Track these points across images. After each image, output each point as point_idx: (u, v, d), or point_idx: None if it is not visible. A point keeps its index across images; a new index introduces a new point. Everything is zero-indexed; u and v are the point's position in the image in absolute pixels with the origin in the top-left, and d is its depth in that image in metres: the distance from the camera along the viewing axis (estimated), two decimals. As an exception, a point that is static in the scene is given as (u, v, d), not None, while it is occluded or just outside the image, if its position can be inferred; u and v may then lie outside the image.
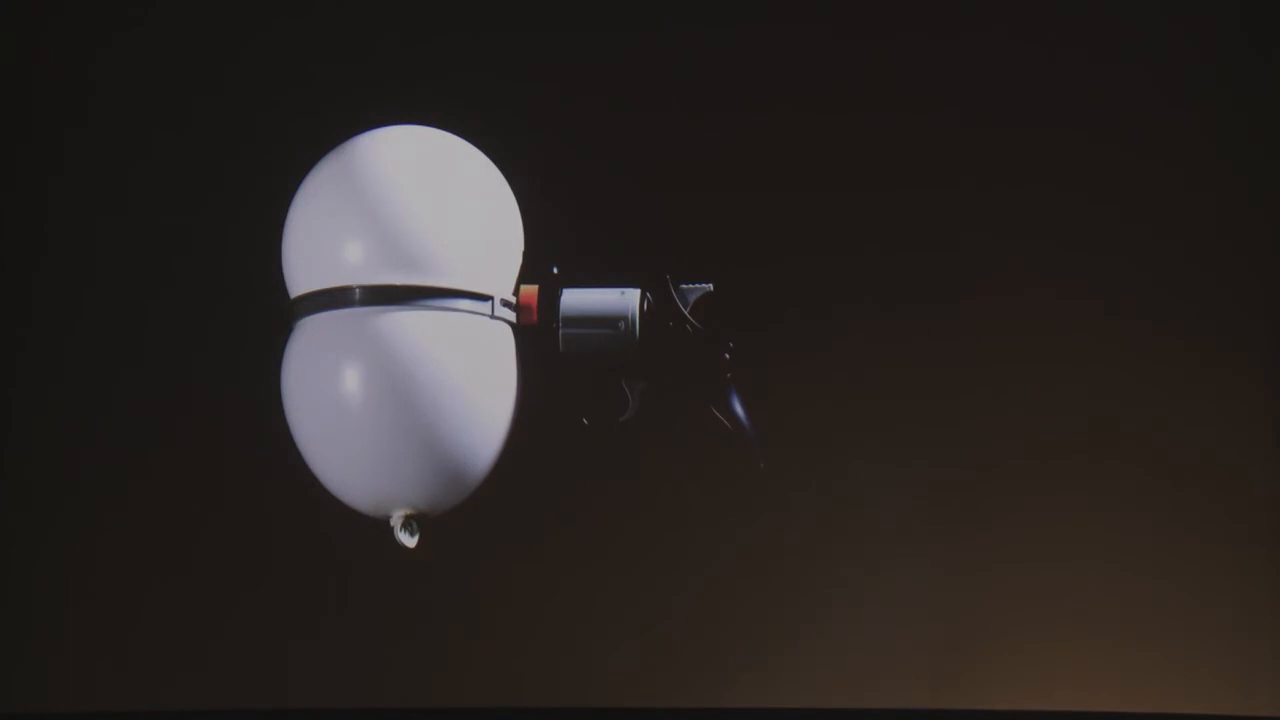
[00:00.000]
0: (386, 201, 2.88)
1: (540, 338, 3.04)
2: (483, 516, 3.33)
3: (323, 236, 2.92)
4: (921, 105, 3.43)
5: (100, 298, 3.38)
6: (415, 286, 2.87)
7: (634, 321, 3.05)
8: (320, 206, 2.94)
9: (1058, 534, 3.34)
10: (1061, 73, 3.44)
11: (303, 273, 2.95)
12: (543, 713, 3.29)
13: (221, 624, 3.30)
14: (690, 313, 3.05)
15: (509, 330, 3.00)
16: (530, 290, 3.04)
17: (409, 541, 2.94)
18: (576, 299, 3.07)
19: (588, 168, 3.38)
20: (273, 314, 2.96)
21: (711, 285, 3.15)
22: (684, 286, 3.11)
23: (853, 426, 3.37)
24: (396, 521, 2.95)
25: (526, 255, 3.05)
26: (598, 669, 3.31)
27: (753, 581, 3.33)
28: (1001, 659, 3.31)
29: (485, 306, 2.94)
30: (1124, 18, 3.45)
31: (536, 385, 3.03)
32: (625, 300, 3.07)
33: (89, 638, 3.30)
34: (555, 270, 3.07)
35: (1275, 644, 3.32)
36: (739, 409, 3.07)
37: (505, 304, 2.97)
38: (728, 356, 3.12)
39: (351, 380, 2.86)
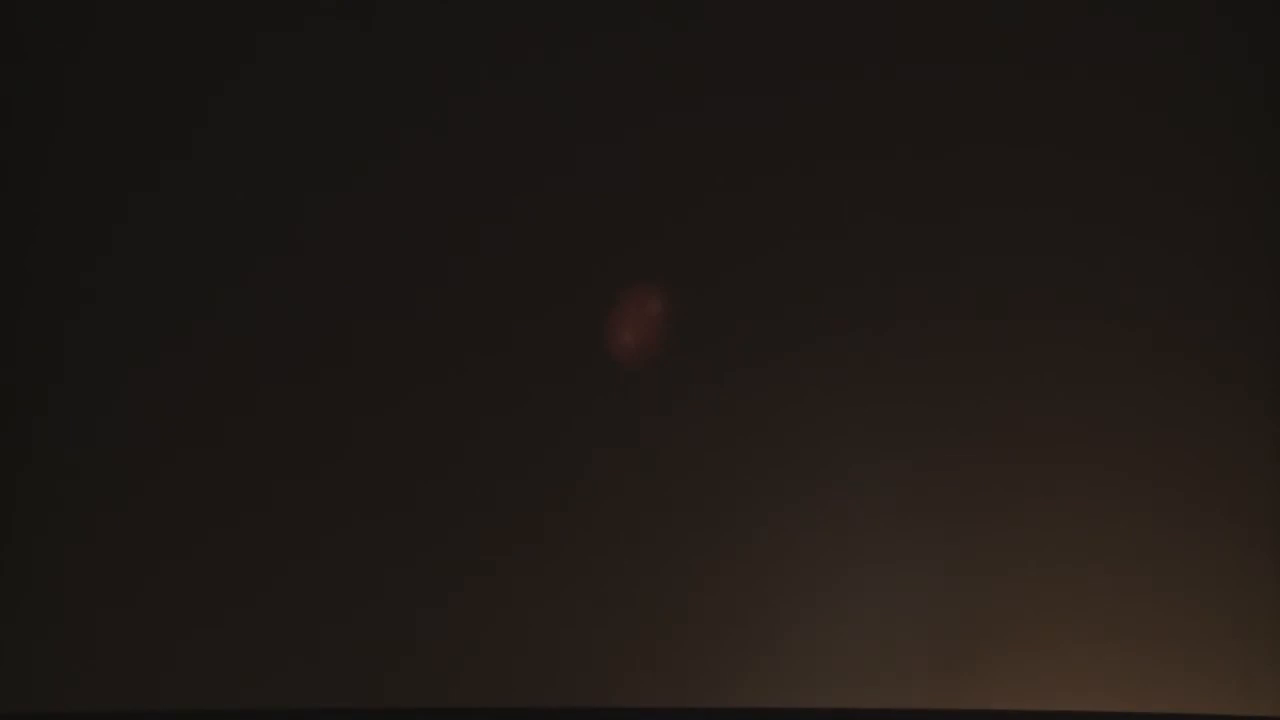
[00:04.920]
0: None
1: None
2: (482, 516, 3.33)
3: None
4: (926, 107, 3.44)
5: (99, 297, 3.38)
6: None
7: None
8: None
9: (1058, 534, 3.34)
10: (1062, 80, 3.45)
11: None
12: (543, 713, 3.29)
13: (221, 624, 3.30)
14: None
15: None
16: None
17: None
18: None
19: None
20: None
21: None
22: None
23: (854, 427, 3.37)
24: None
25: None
26: (598, 669, 3.31)
27: (753, 581, 3.33)
28: (1002, 659, 3.31)
29: None
30: (1122, 25, 3.47)
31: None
32: None
33: (88, 637, 3.29)
34: None
35: (1275, 644, 3.32)
36: None
37: None
38: None
39: None
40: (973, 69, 3.44)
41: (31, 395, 3.34)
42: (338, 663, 3.29)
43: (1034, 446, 3.37)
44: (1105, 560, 3.34)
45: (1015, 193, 3.42)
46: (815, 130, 3.43)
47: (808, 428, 3.37)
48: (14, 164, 3.39)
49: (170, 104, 3.41)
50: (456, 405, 3.36)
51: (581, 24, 3.44)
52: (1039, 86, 3.44)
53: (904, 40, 3.45)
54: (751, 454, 3.36)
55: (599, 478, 3.34)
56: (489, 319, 3.38)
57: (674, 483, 3.35)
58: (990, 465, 3.36)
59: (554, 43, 3.43)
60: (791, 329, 3.39)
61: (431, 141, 3.41)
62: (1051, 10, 3.45)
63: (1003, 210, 3.42)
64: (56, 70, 3.41)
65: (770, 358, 3.38)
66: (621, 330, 3.38)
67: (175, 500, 3.32)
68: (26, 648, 3.28)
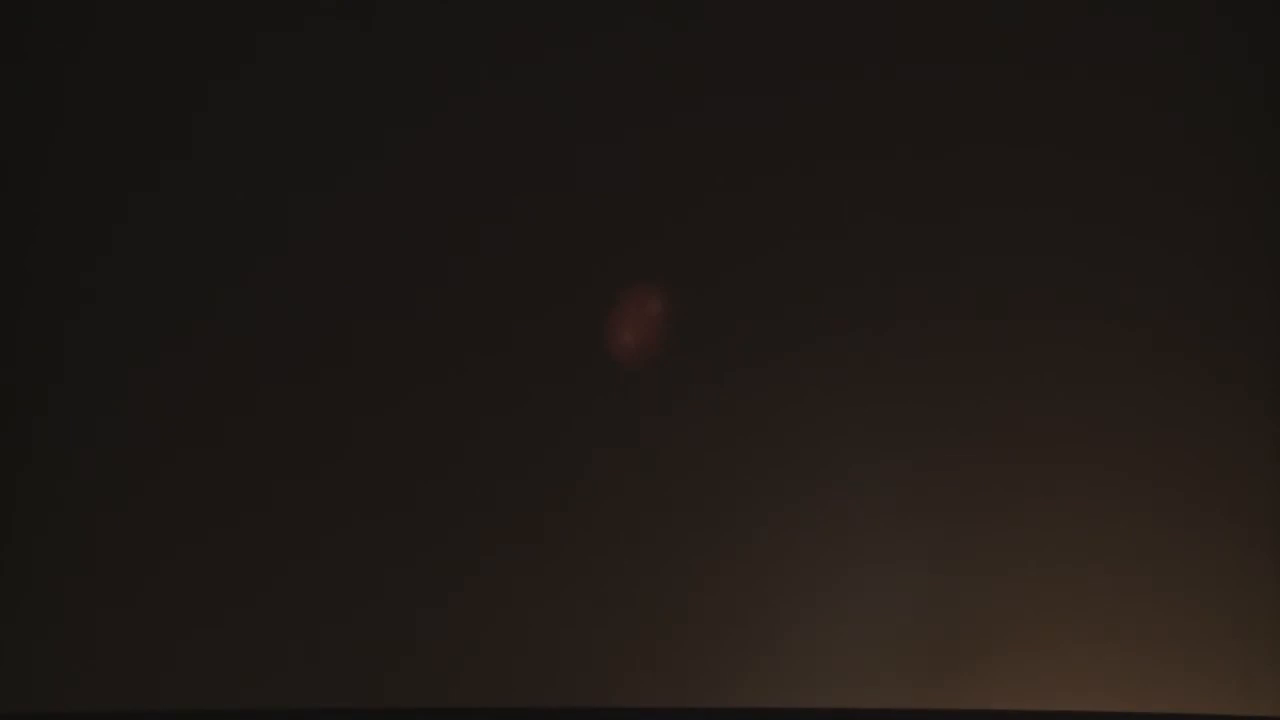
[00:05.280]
0: None
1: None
2: (482, 516, 3.33)
3: None
4: (926, 107, 3.44)
5: (99, 297, 3.38)
6: None
7: None
8: None
9: (1058, 534, 3.34)
10: (1062, 80, 3.45)
11: None
12: (543, 713, 3.29)
13: (221, 624, 3.30)
14: None
15: None
16: None
17: None
18: None
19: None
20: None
21: None
22: None
23: (854, 427, 3.37)
24: None
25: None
26: (598, 669, 3.31)
27: (753, 581, 3.33)
28: (1002, 659, 3.31)
29: None
30: (1122, 28, 3.47)
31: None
32: None
33: (88, 637, 3.29)
34: None
35: (1275, 644, 3.32)
36: None
37: None
38: None
39: None
40: (973, 69, 3.44)
41: (31, 395, 3.34)
42: (338, 663, 3.29)
43: (1034, 446, 3.36)
44: (1105, 560, 3.34)
45: (1015, 193, 3.42)
46: (815, 130, 3.43)
47: (808, 428, 3.37)
48: (14, 164, 3.39)
49: (170, 104, 3.41)
50: (456, 405, 3.36)
51: (581, 24, 3.44)
52: (1039, 86, 3.44)
53: (904, 40, 3.45)
54: (751, 454, 3.36)
55: (599, 478, 3.34)
56: (489, 319, 3.38)
57: (674, 483, 3.35)
58: (990, 465, 3.36)
59: (554, 43, 3.43)
60: (791, 329, 3.39)
61: (432, 141, 3.41)
62: (1051, 10, 3.45)
63: (1003, 210, 3.42)
64: (56, 70, 3.41)
65: (770, 358, 3.38)
66: (621, 330, 3.38)
67: (175, 500, 3.32)
68: (26, 648, 3.28)
